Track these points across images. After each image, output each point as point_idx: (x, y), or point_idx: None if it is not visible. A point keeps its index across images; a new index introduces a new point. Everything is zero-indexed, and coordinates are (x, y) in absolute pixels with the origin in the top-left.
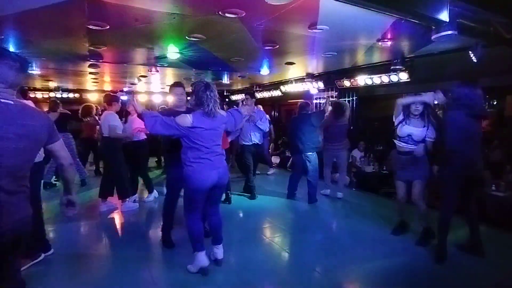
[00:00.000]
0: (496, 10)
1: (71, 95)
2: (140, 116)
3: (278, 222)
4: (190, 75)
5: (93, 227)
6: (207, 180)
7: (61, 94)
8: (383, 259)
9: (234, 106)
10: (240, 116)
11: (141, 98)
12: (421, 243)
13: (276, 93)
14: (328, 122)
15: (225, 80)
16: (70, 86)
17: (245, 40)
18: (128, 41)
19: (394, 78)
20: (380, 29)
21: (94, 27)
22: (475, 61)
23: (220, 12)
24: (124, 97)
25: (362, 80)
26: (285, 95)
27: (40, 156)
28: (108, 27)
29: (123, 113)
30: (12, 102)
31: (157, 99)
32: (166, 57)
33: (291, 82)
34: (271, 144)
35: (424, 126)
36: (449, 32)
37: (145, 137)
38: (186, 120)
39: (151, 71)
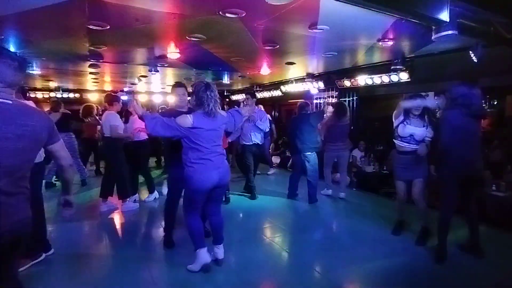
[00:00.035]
0: (496, 10)
1: (71, 95)
2: (141, 118)
3: (279, 222)
4: (190, 75)
5: (94, 227)
6: (208, 181)
7: (62, 94)
8: (383, 259)
9: (235, 107)
10: (240, 116)
11: (142, 98)
12: (419, 243)
13: (276, 93)
14: (330, 122)
15: (225, 80)
16: (71, 86)
17: (246, 40)
18: (128, 41)
19: (394, 78)
20: (381, 29)
21: (94, 27)
22: (476, 61)
23: (220, 12)
24: (124, 97)
25: (363, 80)
26: (286, 95)
27: (40, 156)
28: (108, 27)
29: (123, 113)
30: (10, 102)
31: (157, 99)
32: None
33: (292, 82)
34: (271, 144)
35: (424, 126)
36: (450, 32)
37: (146, 137)
38: (187, 120)
39: (151, 71)
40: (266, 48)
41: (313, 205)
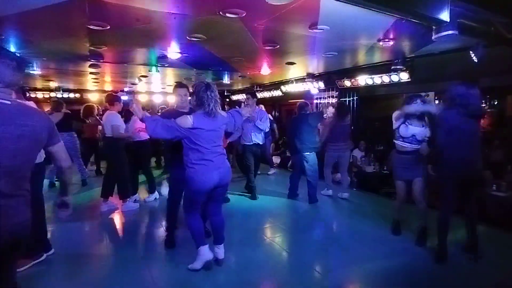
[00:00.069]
0: (496, 10)
1: (71, 95)
2: (141, 120)
3: (279, 222)
4: (190, 75)
5: (94, 227)
6: (209, 181)
7: (62, 94)
8: (383, 259)
9: (236, 107)
10: (240, 116)
11: (142, 98)
12: (419, 243)
13: (276, 93)
14: (332, 122)
15: (226, 80)
16: (71, 86)
17: (246, 40)
18: (128, 41)
19: (394, 78)
20: (381, 29)
21: (94, 27)
22: (476, 61)
23: (220, 12)
24: (124, 97)
25: (363, 80)
26: (286, 95)
27: (40, 157)
28: (108, 27)
29: (123, 113)
30: (9, 102)
31: (158, 99)
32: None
33: (292, 82)
34: (272, 144)
35: (423, 126)
36: (450, 32)
37: (148, 137)
38: (187, 121)
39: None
40: (267, 48)
41: (313, 205)
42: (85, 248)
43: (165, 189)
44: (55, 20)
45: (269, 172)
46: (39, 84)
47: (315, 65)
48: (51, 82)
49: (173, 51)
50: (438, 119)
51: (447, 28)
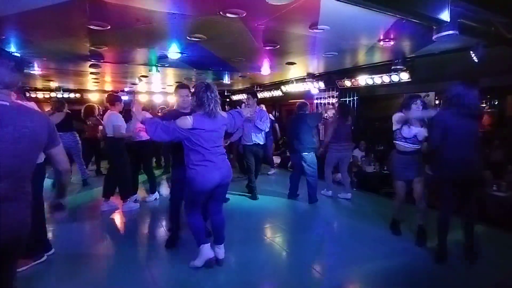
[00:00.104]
0: (497, 10)
1: (72, 95)
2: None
3: (279, 222)
4: (191, 75)
5: (94, 227)
6: (211, 182)
7: (62, 94)
8: (383, 259)
9: (238, 107)
10: (240, 117)
11: (142, 98)
12: (419, 243)
13: (277, 93)
14: (336, 123)
15: (226, 80)
16: (71, 86)
17: (246, 40)
18: (129, 41)
19: (395, 78)
20: (381, 29)
21: (95, 27)
22: (476, 61)
23: (221, 12)
24: (125, 97)
25: (363, 80)
26: (286, 95)
27: (41, 157)
28: (109, 27)
29: (123, 113)
30: (8, 104)
31: (158, 99)
32: (166, 57)
33: (292, 82)
34: (272, 144)
35: (421, 126)
36: (450, 32)
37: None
38: (186, 122)
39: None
40: (267, 48)
41: (313, 205)
42: (85, 248)
43: (165, 189)
44: (56, 20)
45: (269, 172)
46: (39, 84)
47: (315, 65)
48: (51, 82)
49: (174, 51)
50: (433, 120)
51: (447, 28)
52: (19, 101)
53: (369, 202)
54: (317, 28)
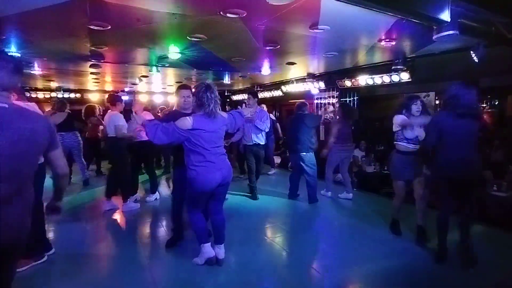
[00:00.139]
0: (497, 10)
1: (72, 95)
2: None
3: (279, 222)
4: (191, 75)
5: (94, 227)
6: (211, 182)
7: (63, 94)
8: (383, 259)
9: (239, 107)
10: (240, 117)
11: (142, 98)
12: (419, 243)
13: (277, 93)
14: (341, 123)
15: (226, 80)
16: (72, 86)
17: (246, 40)
18: (129, 41)
19: (395, 78)
20: (382, 29)
21: (95, 28)
22: (477, 61)
23: (221, 12)
24: (125, 97)
25: (363, 80)
26: (286, 95)
27: (41, 158)
28: (109, 27)
29: (122, 113)
30: (7, 106)
31: (158, 99)
32: (167, 57)
33: (292, 82)
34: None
35: (420, 127)
36: (451, 32)
37: None
38: (186, 122)
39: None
40: (267, 48)
41: (313, 205)
42: (85, 248)
43: (164, 189)
44: (56, 20)
45: (269, 172)
46: (39, 84)
47: (316, 65)
48: (51, 82)
49: (174, 51)
50: (430, 120)
51: (447, 28)
52: (20, 102)
53: (369, 202)
54: (317, 28)
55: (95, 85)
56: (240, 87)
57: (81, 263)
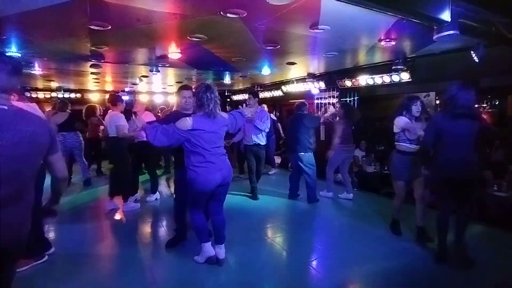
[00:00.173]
0: (497, 10)
1: (72, 95)
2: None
3: (280, 222)
4: (191, 75)
5: (95, 227)
6: (212, 183)
7: (63, 94)
8: (383, 259)
9: (239, 107)
10: (241, 118)
11: (143, 98)
12: (419, 243)
13: (277, 93)
14: (344, 124)
15: (227, 80)
16: (72, 86)
17: (247, 40)
18: (129, 41)
19: (395, 78)
20: (382, 29)
21: (96, 28)
22: (477, 61)
23: (221, 12)
24: (125, 97)
25: (364, 80)
26: (287, 95)
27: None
28: (110, 27)
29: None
30: (6, 107)
31: (159, 99)
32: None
33: (293, 82)
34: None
35: (420, 127)
36: (451, 32)
37: None
38: (186, 123)
39: (152, 71)
40: (267, 48)
41: (313, 205)
42: (85, 248)
43: (164, 189)
44: (56, 20)
45: (270, 172)
46: (40, 84)
47: (316, 65)
48: (52, 82)
49: (174, 51)
50: (428, 122)
51: (448, 28)
52: (20, 103)
53: (369, 202)
54: (317, 28)
55: (96, 85)
56: (241, 87)
57: (82, 263)
